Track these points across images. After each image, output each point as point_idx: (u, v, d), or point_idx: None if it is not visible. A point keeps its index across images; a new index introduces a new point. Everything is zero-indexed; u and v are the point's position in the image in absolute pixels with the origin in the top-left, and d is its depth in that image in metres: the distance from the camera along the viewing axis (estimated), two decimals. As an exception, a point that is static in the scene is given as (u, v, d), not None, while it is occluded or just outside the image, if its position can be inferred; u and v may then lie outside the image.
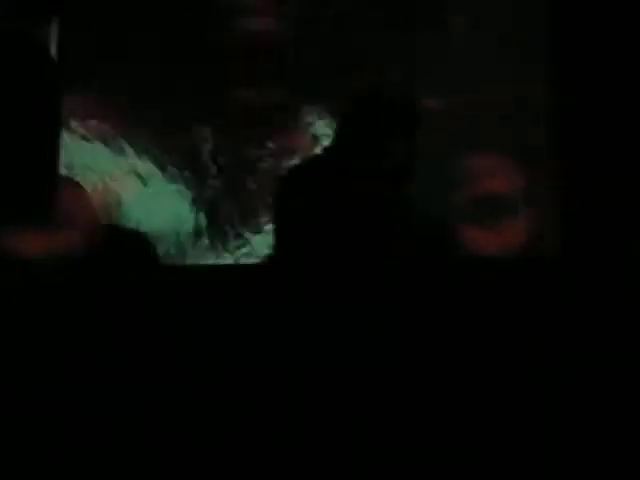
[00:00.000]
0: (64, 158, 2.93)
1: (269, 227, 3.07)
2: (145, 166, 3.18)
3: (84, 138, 3.12)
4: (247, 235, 3.25)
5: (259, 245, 3.23)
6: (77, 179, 2.95)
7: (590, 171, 3.38)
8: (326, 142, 2.58)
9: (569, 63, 3.41)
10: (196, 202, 3.22)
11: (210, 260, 3.23)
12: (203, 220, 3.23)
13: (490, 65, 3.27)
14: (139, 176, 3.18)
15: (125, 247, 2.95)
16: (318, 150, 2.57)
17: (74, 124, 3.10)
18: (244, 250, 3.26)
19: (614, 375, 3.08)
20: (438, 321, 2.43)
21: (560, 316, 3.15)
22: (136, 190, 3.18)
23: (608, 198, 3.36)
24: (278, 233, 2.51)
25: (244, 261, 3.24)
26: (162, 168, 3.19)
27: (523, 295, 3.12)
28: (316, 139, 3.15)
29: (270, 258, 2.65)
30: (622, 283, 3.25)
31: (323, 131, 3.12)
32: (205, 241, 3.22)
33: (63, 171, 2.91)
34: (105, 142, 3.14)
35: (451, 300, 2.49)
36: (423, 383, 2.40)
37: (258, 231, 3.24)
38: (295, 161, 2.54)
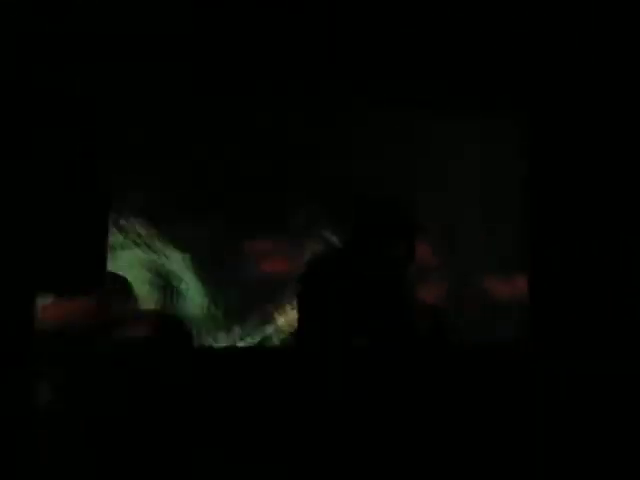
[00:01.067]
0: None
1: (292, 310, 3.35)
2: (180, 263, 3.55)
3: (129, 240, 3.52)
4: (273, 317, 3.56)
5: (283, 326, 3.54)
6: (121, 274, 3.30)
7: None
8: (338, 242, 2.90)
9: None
10: (226, 291, 3.56)
11: (239, 341, 3.54)
12: (233, 306, 3.55)
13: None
14: (175, 271, 3.53)
15: (164, 331, 3.19)
16: (332, 248, 2.85)
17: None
18: (270, 331, 3.56)
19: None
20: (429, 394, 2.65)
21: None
22: (173, 282, 3.52)
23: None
24: (301, 316, 2.72)
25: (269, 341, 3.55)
26: (195, 264, 3.55)
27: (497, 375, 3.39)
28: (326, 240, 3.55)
29: (294, 340, 2.90)
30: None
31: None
32: (235, 325, 3.54)
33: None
34: (147, 244, 3.52)
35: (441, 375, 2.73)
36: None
37: (283, 313, 3.56)
38: (312, 257, 2.86)
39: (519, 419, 3.37)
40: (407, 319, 2.72)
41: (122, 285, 3.23)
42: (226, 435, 3.08)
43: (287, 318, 3.52)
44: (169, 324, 3.23)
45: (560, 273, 3.73)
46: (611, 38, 3.73)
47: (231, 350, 3.52)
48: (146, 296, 3.40)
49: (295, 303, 2.79)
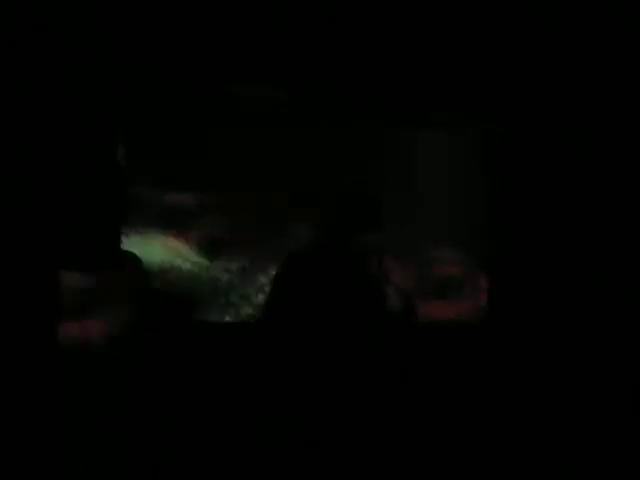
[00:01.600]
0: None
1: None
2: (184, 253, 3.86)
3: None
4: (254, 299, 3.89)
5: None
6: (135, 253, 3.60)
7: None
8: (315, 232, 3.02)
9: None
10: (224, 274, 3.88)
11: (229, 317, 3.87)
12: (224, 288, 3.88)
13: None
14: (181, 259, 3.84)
15: (166, 305, 3.50)
16: (310, 239, 3.01)
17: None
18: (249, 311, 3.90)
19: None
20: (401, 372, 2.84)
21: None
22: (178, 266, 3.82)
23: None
24: (278, 298, 2.84)
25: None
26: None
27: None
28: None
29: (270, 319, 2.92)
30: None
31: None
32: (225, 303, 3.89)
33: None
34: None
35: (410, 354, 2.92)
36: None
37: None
38: (292, 248, 2.98)
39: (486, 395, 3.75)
40: (378, 303, 2.86)
41: (134, 262, 3.50)
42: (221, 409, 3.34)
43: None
44: (171, 299, 3.52)
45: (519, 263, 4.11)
46: (586, 54, 4.02)
47: (228, 325, 3.80)
48: (155, 272, 3.73)
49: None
